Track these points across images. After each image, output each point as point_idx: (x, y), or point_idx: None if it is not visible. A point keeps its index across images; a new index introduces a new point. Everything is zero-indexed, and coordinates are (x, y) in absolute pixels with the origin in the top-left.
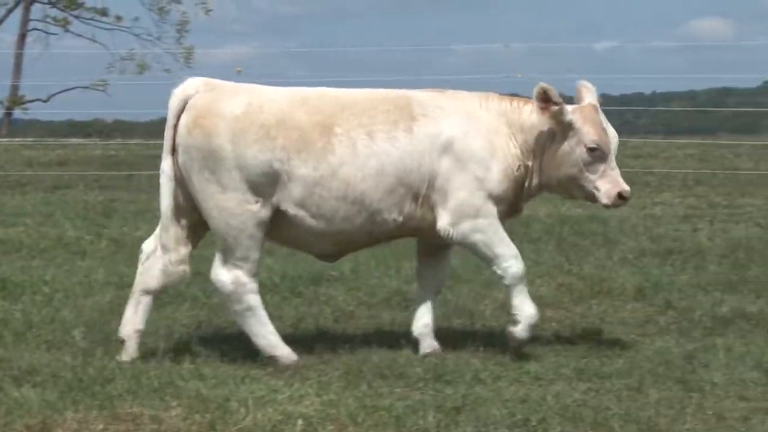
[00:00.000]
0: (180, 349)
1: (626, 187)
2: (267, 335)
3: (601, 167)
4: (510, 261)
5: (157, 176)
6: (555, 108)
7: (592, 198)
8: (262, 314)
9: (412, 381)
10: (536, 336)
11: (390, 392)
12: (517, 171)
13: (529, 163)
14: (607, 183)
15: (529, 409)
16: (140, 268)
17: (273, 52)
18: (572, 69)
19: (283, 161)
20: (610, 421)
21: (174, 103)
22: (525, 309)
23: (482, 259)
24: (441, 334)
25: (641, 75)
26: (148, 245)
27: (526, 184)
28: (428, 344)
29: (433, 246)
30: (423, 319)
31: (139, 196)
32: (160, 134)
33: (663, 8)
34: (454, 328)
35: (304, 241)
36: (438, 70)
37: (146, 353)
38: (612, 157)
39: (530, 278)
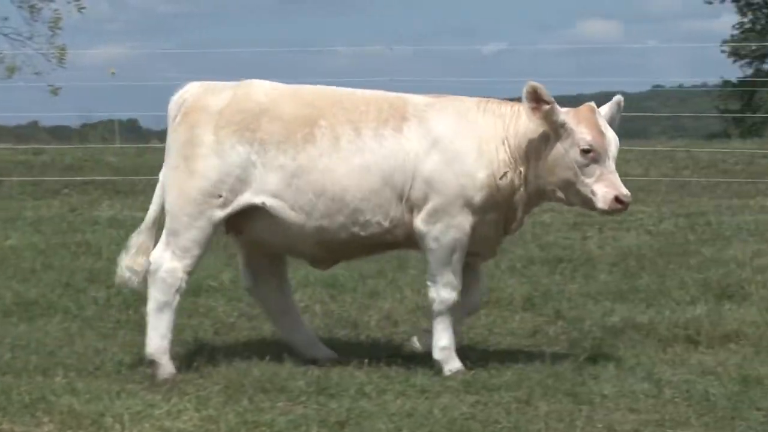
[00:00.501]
0: (52, 363)
1: (625, 191)
2: (162, 338)
3: (597, 170)
4: (447, 291)
5: (28, 183)
6: (546, 108)
7: (588, 203)
8: (171, 317)
9: (295, 395)
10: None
11: (272, 407)
12: (501, 179)
13: (522, 170)
14: (604, 187)
15: (416, 422)
16: (259, 304)
17: (149, 53)
18: (458, 72)
19: (261, 153)
20: None
21: (172, 109)
22: (441, 341)
23: (428, 270)
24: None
25: (528, 78)
26: (247, 282)
27: (520, 191)
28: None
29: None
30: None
31: (10, 204)
32: (30, 139)
33: (550, 10)
34: (338, 340)
35: (289, 240)
36: (320, 73)
37: (17, 368)
38: (610, 161)
39: (417, 288)
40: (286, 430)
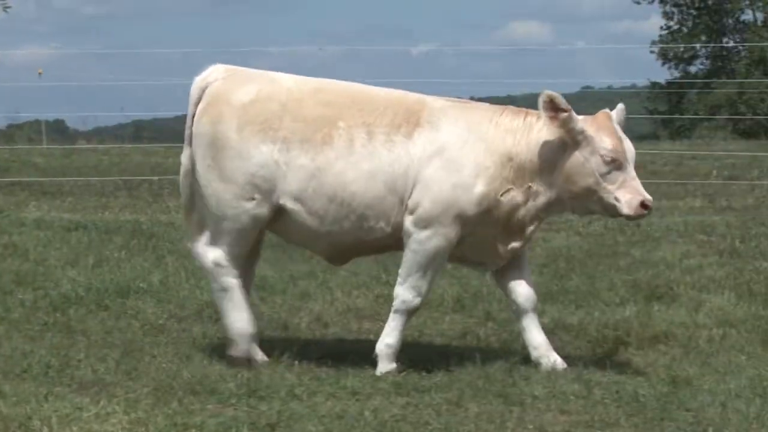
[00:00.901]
0: None
1: (648, 197)
2: (237, 320)
3: (620, 177)
4: (413, 294)
5: None
6: (564, 116)
7: (612, 210)
8: (238, 297)
9: (225, 397)
10: (354, 349)
11: (202, 409)
12: (502, 195)
13: (531, 184)
14: (628, 193)
15: (347, 425)
16: None
17: (75, 53)
18: (389, 73)
19: (284, 152)
20: None
21: (193, 91)
22: (389, 338)
23: (401, 267)
24: None
25: (458, 80)
26: None
27: (527, 206)
28: (549, 360)
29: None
30: (537, 340)
31: None
32: None
33: (482, 10)
34: (268, 341)
35: (303, 240)
36: None
37: None
38: (631, 167)
39: (347, 289)
40: None
